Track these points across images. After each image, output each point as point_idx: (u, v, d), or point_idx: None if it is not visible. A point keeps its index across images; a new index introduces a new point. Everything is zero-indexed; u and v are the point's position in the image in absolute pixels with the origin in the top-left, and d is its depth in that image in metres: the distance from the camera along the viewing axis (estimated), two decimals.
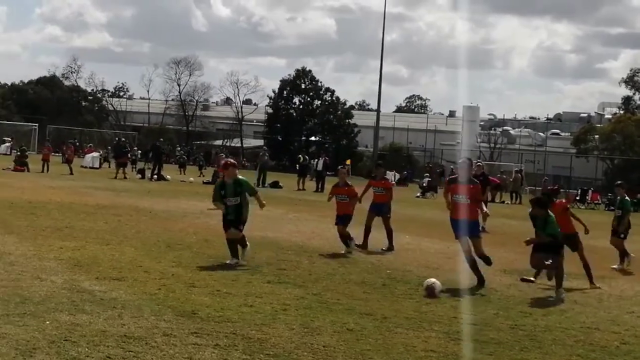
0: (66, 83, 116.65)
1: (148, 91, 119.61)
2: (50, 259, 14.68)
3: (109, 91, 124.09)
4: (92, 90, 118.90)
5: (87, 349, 8.72)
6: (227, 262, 15.68)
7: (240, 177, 16.33)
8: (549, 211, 14.61)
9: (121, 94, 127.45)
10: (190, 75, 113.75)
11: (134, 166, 58.01)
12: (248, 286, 13.42)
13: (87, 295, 11.59)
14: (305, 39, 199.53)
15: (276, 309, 11.62)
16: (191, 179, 51.90)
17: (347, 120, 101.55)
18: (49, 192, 30.99)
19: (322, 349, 9.49)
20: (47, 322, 9.74)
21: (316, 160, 56.81)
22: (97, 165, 60.71)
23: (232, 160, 17.15)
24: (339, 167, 21.63)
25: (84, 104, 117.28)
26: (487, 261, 15.35)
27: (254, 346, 9.41)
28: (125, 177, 47.09)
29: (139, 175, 49.84)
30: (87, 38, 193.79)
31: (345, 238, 18.82)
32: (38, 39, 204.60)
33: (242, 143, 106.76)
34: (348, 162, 74.57)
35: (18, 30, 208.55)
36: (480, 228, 16.82)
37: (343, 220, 19.00)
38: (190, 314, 10.92)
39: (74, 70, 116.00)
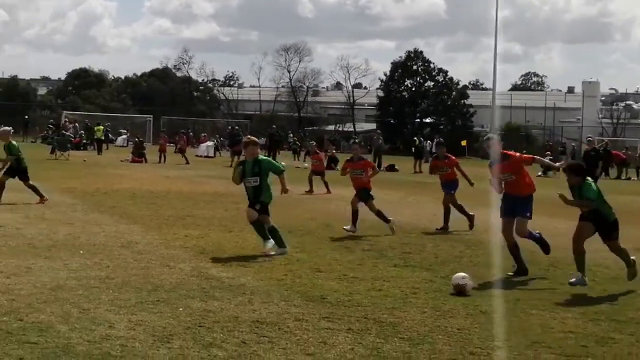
0: (178, 74, 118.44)
1: (258, 79, 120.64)
2: (176, 246, 14.97)
3: (219, 81, 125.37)
4: (203, 80, 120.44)
5: (222, 335, 8.85)
6: (264, 250, 14.57)
7: (261, 156, 15.33)
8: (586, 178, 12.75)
9: (231, 82, 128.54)
10: (300, 61, 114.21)
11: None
12: (374, 270, 13.44)
13: (216, 282, 11.76)
14: (414, 19, 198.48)
15: (406, 293, 11.61)
16: (305, 164, 52.14)
17: (461, 101, 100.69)
18: (167, 182, 31.57)
19: (457, 332, 9.44)
20: (180, 309, 9.93)
21: (430, 142, 56.56)
22: (211, 154, 61.53)
23: (253, 138, 15.89)
24: (351, 141, 21.27)
25: (195, 94, 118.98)
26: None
27: (387, 330, 9.42)
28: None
29: None
30: (196, 29, 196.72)
31: (380, 216, 18.40)
32: (148, 32, 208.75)
33: (354, 127, 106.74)
34: (463, 143, 74.16)
35: (128, 25, 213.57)
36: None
37: (362, 195, 18.53)
38: (319, 298, 10.98)
39: (185, 61, 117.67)
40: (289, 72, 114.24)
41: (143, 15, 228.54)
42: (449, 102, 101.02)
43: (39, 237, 15.47)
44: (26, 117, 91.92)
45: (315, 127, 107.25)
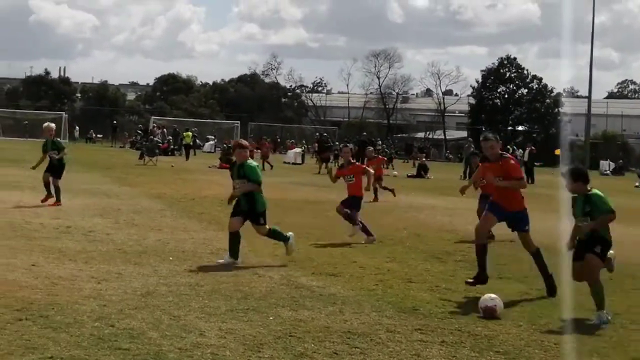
0: (266, 80, 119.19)
1: (347, 85, 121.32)
2: (265, 254, 15.02)
3: (307, 87, 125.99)
4: (291, 86, 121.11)
5: (313, 345, 8.85)
6: (220, 260, 14.07)
7: (249, 161, 14.71)
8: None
9: (319, 89, 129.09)
10: (389, 67, 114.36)
11: (336, 161, 58.64)
12: None
13: (306, 291, 11.78)
14: (507, 25, 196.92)
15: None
16: (395, 172, 52.08)
17: (555, 109, 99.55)
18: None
19: (554, 346, 9.31)
20: (271, 318, 9.96)
21: (522, 150, 55.95)
22: (299, 160, 61.72)
23: (240, 141, 15.68)
24: (343, 145, 20.62)
25: (283, 100, 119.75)
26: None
27: (481, 343, 9.33)
28: (328, 172, 47.61)
29: None
30: (284, 34, 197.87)
31: (348, 217, 17.93)
32: (236, 38, 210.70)
33: (444, 135, 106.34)
34: (557, 152, 73.24)
35: (216, 30, 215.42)
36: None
37: (352, 203, 18.03)
38: (411, 310, 10.93)
39: (273, 67, 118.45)
40: (378, 78, 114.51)
41: (231, 20, 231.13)
42: (542, 110, 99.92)
43: (128, 242, 15.69)
44: (114, 122, 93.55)
45: (404, 135, 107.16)
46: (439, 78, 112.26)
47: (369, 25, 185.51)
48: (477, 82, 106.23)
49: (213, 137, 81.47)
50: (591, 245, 10.95)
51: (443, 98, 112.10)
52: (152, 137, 59.63)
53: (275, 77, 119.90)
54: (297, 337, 9.13)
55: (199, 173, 42.54)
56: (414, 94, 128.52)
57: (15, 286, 11.11)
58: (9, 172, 33.54)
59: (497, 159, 12.83)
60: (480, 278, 12.45)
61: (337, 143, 69.43)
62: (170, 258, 14.11)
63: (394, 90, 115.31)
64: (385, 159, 42.33)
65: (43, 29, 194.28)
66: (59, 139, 22.99)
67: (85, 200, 23.25)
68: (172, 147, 66.93)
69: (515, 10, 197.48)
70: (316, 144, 59.06)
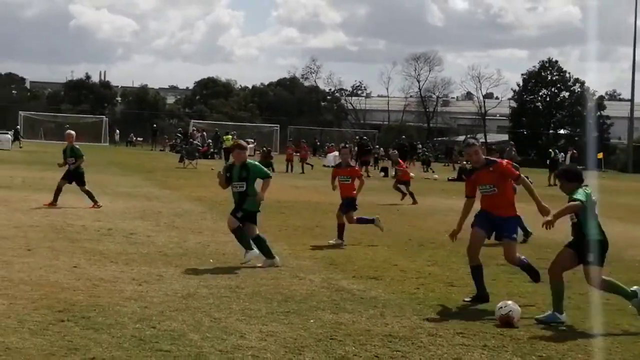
0: (305, 84, 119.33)
1: (387, 89, 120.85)
2: (305, 257, 15.05)
3: (347, 90, 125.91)
4: (331, 90, 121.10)
5: (354, 348, 8.84)
6: (246, 261, 14.01)
7: (250, 161, 14.66)
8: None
9: (359, 92, 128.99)
10: (430, 70, 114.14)
11: (376, 164, 58.66)
12: (509, 286, 13.27)
13: (347, 294, 11.77)
14: (547, 28, 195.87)
15: (542, 309, 11.39)
16: (435, 176, 52.00)
17: (598, 112, 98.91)
18: (295, 192, 31.81)
19: (597, 351, 9.23)
20: (311, 321, 9.96)
21: (563, 154, 55.68)
22: None
23: (240, 142, 15.57)
24: (342, 145, 20.48)
25: (323, 103, 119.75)
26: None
27: (524, 347, 9.28)
28: (368, 176, 47.65)
29: (382, 174, 50.34)
30: (323, 38, 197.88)
31: (362, 221, 17.93)
32: (274, 42, 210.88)
33: (485, 138, 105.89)
34: (600, 155, 72.73)
35: (255, 34, 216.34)
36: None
37: (346, 205, 17.82)
38: (453, 313, 10.90)
39: (313, 70, 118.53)
40: (418, 81, 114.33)
41: (270, 24, 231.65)
42: (585, 113, 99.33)
43: (169, 245, 15.78)
44: (154, 125, 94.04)
45: (444, 138, 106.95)
46: (479, 81, 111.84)
47: (408, 29, 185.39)
48: (518, 85, 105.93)
49: (252, 141, 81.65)
50: (584, 253, 10.90)
51: (484, 101, 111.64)
52: (192, 140, 59.91)
53: (315, 81, 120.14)
54: (338, 340, 9.12)
55: None
56: (454, 97, 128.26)
57: (57, 287, 11.21)
58: (50, 176, 33.77)
59: (485, 164, 12.32)
60: (480, 297, 11.95)
61: (377, 147, 69.41)
62: (211, 260, 14.18)
63: (434, 94, 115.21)
64: (406, 166, 41.70)
65: (83, 33, 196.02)
66: (78, 147, 23.07)
67: (126, 203, 23.40)
68: (211, 150, 67.17)
69: (556, 12, 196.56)
70: (356, 148, 59.08)
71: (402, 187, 29.89)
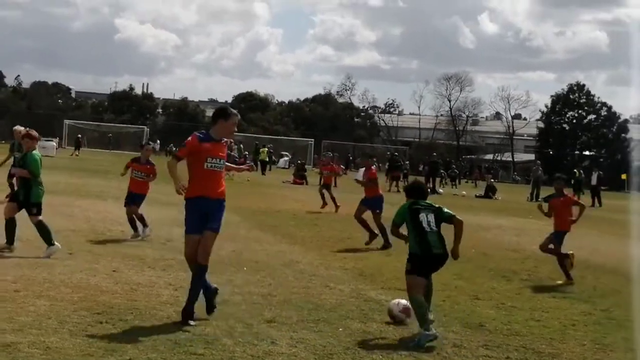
0: (340, 100, 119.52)
1: (419, 107, 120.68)
2: (335, 267, 15.03)
3: (380, 107, 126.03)
4: (364, 107, 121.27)
5: (380, 357, 8.86)
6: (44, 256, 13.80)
7: (34, 152, 14.42)
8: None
9: (391, 110, 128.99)
10: (461, 90, 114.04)
11: (405, 180, 58.47)
12: (533, 300, 13.21)
13: (375, 305, 11.75)
14: (575, 52, 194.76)
15: (564, 324, 11.35)
16: (463, 192, 51.86)
17: (622, 135, 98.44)
18: (328, 204, 31.67)
19: None
20: (340, 329, 9.96)
21: (590, 174, 55.42)
22: None
23: (32, 133, 14.93)
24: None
25: (356, 120, 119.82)
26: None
27: None
28: (398, 191, 47.60)
29: None
30: (357, 57, 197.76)
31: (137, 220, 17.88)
32: (310, 59, 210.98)
33: (512, 157, 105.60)
34: (624, 176, 72.33)
35: (292, 51, 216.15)
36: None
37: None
38: (477, 326, 10.86)
39: (347, 87, 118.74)
40: (449, 101, 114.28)
41: (306, 42, 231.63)
42: (610, 136, 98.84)
43: None
44: None
45: (473, 156, 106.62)
46: (508, 102, 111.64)
47: (441, 50, 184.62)
48: (546, 106, 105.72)
49: (287, 154, 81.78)
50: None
51: (512, 121, 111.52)
52: (229, 152, 60.02)
53: (349, 98, 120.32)
54: (366, 349, 9.11)
55: (274, 188, 42.74)
56: (483, 117, 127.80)
57: (96, 290, 11.26)
58: (93, 182, 34.04)
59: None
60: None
61: (407, 162, 69.24)
62: (245, 268, 14.20)
63: (464, 113, 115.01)
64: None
65: (128, 47, 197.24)
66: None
67: (164, 211, 23.46)
68: (248, 162, 67.29)
69: (584, 37, 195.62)
70: (387, 163, 58.98)
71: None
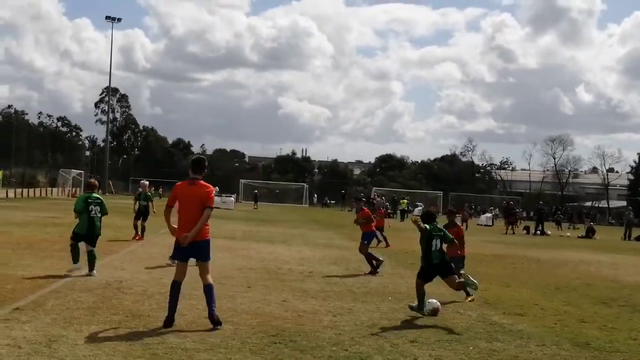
0: (463, 159, 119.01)
1: (529, 164, 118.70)
2: (462, 298, 14.69)
3: (496, 165, 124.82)
4: (483, 164, 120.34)
5: None
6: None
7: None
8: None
9: (506, 166, 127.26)
10: (563, 149, 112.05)
11: (519, 224, 57.26)
12: (630, 322, 12.69)
13: (498, 327, 11.51)
14: None
15: None
16: (567, 234, 50.53)
17: None
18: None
19: None
20: (470, 348, 9.79)
21: None
22: (490, 223, 60.56)
23: (91, 181, 15.94)
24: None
25: (476, 175, 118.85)
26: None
27: None
28: (513, 233, 46.73)
29: (525, 231, 49.10)
30: (476, 123, 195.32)
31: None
32: (438, 126, 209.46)
33: (608, 204, 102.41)
34: None
35: (422, 120, 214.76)
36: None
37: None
38: (584, 344, 10.50)
39: (469, 149, 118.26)
40: (554, 158, 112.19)
41: (434, 113, 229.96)
42: None
43: (356, 285, 15.80)
44: (343, 191, 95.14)
45: (574, 204, 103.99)
46: (603, 158, 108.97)
47: (545, 116, 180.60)
48: (634, 162, 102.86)
49: (421, 204, 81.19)
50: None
51: (607, 174, 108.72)
52: (373, 203, 60.03)
53: (471, 157, 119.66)
54: None
55: (411, 232, 42.37)
56: (582, 171, 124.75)
57: (270, 317, 11.37)
58: (264, 229, 34.60)
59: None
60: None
61: (520, 210, 67.87)
62: (390, 298, 14.12)
63: (566, 168, 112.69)
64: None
65: (289, 119, 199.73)
66: (150, 193, 25.11)
67: (323, 251, 23.63)
68: (388, 211, 67.11)
69: None
70: (504, 210, 57.98)
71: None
